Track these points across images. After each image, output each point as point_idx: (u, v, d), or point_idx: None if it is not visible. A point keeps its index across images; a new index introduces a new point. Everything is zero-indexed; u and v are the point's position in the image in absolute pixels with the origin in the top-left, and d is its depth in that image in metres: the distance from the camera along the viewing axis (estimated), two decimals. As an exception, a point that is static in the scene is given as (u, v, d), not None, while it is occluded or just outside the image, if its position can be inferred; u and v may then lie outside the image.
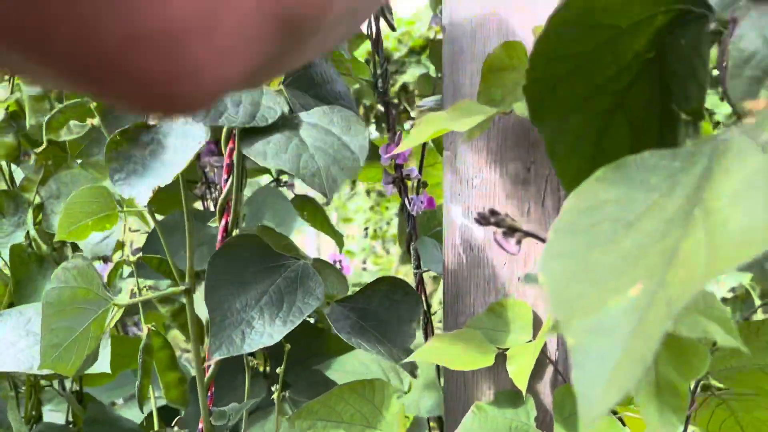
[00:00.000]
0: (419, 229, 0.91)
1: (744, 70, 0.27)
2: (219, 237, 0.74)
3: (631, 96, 0.33)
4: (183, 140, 0.66)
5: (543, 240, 0.34)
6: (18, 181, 0.85)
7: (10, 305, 0.80)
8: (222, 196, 0.73)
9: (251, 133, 0.63)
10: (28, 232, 0.83)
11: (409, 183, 0.92)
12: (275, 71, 0.21)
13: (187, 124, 0.66)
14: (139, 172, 0.66)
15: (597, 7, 0.29)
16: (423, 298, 0.79)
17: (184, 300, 0.73)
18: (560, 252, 0.21)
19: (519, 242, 0.36)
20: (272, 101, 0.65)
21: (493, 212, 0.37)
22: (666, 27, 0.31)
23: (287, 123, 0.65)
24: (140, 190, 0.64)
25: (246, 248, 0.68)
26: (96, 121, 0.65)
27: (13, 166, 0.87)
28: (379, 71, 0.88)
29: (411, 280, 0.81)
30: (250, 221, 0.94)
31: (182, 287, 0.70)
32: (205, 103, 0.17)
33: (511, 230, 0.36)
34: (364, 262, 3.69)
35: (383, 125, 0.86)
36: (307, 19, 0.18)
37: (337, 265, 1.05)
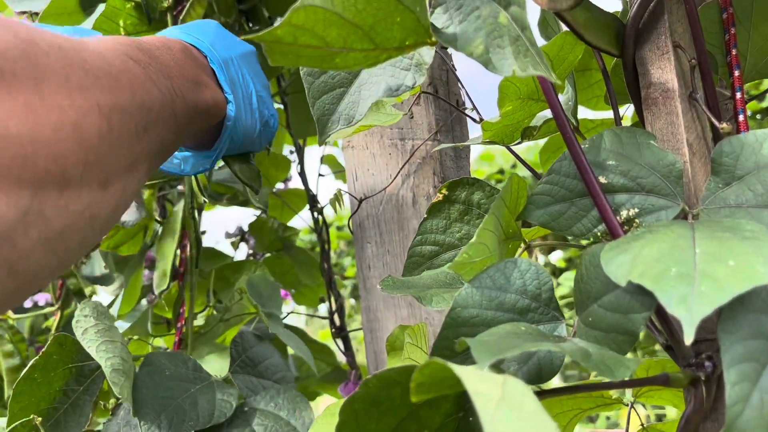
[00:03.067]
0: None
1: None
2: None
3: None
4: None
5: None
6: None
7: None
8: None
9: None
10: None
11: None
12: None
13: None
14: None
15: (383, 396, 0.31)
16: None
17: None
18: None
19: None
20: (225, 393, 0.70)
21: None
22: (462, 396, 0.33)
23: (240, 414, 0.70)
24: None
25: None
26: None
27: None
28: (334, 308, 1.00)
29: None
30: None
31: None
32: None
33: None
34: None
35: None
36: None
37: None
